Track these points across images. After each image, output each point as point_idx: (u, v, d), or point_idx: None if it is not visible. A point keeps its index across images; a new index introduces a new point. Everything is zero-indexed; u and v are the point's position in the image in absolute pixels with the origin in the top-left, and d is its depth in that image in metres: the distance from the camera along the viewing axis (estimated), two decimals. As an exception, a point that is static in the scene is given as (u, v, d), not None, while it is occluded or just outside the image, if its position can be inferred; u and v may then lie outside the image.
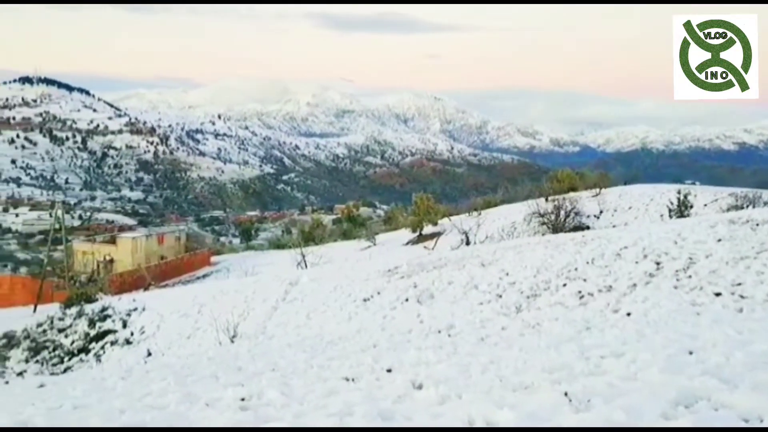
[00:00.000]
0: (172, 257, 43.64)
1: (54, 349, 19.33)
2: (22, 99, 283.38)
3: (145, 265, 39.26)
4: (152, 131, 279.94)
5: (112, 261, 40.93)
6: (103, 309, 21.08)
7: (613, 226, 21.68)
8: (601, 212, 27.01)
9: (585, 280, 10.81)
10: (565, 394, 3.89)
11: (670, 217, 21.33)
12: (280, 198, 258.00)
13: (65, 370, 17.11)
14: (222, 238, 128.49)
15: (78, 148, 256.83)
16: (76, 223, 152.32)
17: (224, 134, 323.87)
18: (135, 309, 20.37)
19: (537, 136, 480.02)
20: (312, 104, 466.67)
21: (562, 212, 23.45)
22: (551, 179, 36.93)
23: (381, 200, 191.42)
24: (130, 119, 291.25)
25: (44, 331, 21.05)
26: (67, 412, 4.73)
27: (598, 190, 31.26)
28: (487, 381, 4.71)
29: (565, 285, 10.93)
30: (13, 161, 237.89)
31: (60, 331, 20.59)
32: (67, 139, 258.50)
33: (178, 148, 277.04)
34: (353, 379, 5.36)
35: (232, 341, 13.84)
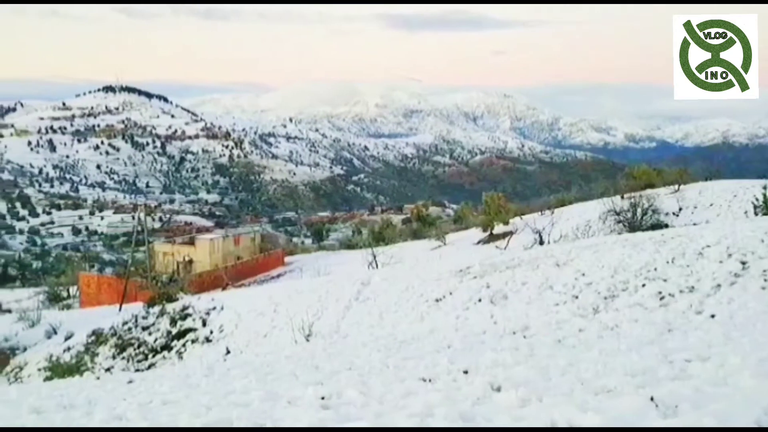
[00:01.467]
0: (248, 257, 44.75)
1: (139, 346, 20.19)
2: (106, 107, 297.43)
3: (222, 266, 40.45)
4: (227, 135, 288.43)
5: (191, 261, 42.35)
6: (184, 308, 21.84)
7: (694, 224, 20.81)
8: (680, 210, 25.96)
9: (665, 280, 10.44)
10: (651, 398, 3.78)
11: (756, 214, 20.28)
12: (350, 199, 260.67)
13: (149, 367, 17.85)
14: (294, 239, 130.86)
15: (157, 152, 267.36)
16: (157, 225, 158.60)
17: (295, 137, 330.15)
18: (214, 308, 21.01)
19: (611, 132, 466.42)
20: (380, 105, 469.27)
21: (639, 210, 22.70)
22: (627, 176, 35.85)
23: (450, 199, 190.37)
24: (206, 124, 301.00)
25: (129, 329, 22.02)
26: (158, 408, 4.95)
27: (676, 186, 30.08)
28: (568, 384, 4.63)
29: (644, 285, 10.59)
30: (98, 166, 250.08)
31: (144, 329, 21.48)
32: (148, 144, 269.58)
33: (251, 152, 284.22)
34: (430, 380, 5.37)
35: (308, 340, 14.10)
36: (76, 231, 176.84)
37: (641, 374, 4.60)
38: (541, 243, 23.37)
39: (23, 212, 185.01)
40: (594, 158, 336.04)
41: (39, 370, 20.71)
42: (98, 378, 10.95)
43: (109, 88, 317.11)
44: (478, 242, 32.90)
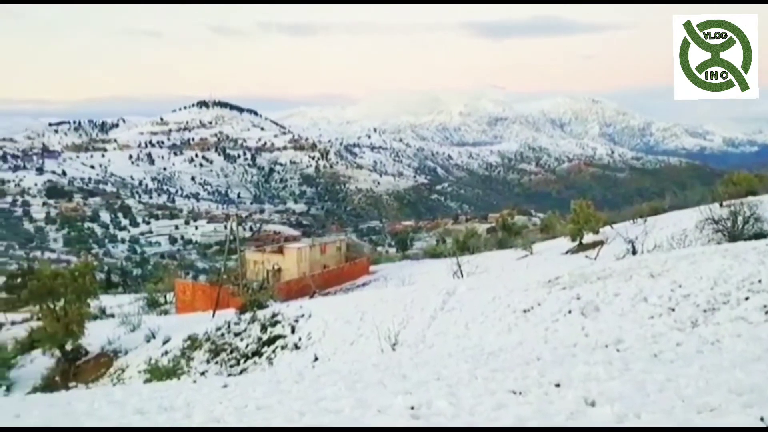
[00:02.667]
0: (334, 266, 45.49)
1: (231, 352, 20.89)
2: (200, 122, 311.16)
3: (310, 274, 41.30)
4: (314, 147, 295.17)
5: (280, 270, 43.48)
6: (274, 315, 22.43)
7: (803, 234, 19.45)
8: (786, 218, 24.35)
9: (772, 293, 9.81)
10: (761, 419, 3.57)
11: None
12: (433, 207, 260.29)
13: (241, 372, 18.41)
14: (379, 248, 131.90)
15: (248, 164, 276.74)
16: (248, 234, 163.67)
17: (380, 147, 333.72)
18: (302, 315, 21.46)
19: (707, 137, 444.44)
20: (464, 113, 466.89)
21: (740, 218, 21.43)
22: (726, 182, 33.96)
23: (536, 208, 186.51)
24: (293, 136, 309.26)
25: (222, 334, 22.82)
26: (253, 412, 5.12)
27: (782, 193, 28.25)
28: (667, 400, 4.43)
29: (747, 299, 9.99)
30: (193, 178, 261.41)
31: (236, 335, 22.21)
32: (239, 156, 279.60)
33: (337, 162, 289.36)
34: (521, 393, 5.28)
35: (394, 349, 14.14)
36: (172, 240, 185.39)
37: (748, 392, 4.34)
38: (634, 253, 22.49)
39: (124, 222, 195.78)
40: (689, 164, 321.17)
41: (139, 372, 21.80)
42: (194, 381, 11.40)
43: (203, 104, 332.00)
44: (567, 252, 32.05)
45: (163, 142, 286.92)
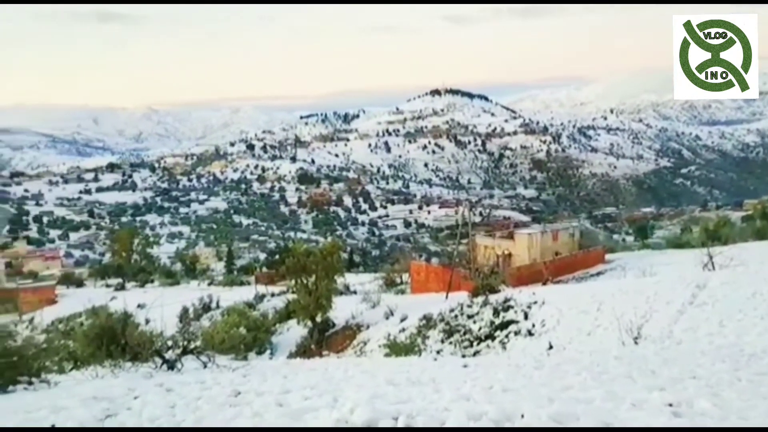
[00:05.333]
0: (566, 254, 44.08)
1: (464, 333, 21.36)
2: (432, 110, 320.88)
3: (540, 260, 40.53)
4: (545, 130, 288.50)
5: (510, 255, 43.31)
6: (506, 300, 22.47)
7: None
8: None
9: None
10: None
11: None
12: (677, 193, 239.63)
13: (474, 354, 18.74)
14: (614, 236, 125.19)
15: (478, 150, 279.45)
16: (477, 219, 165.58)
17: (616, 129, 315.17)
18: (535, 302, 21.21)
19: None
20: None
21: None
22: None
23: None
24: (524, 120, 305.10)
25: (455, 316, 23.43)
26: (499, 394, 5.19)
27: None
28: None
29: None
30: (426, 165, 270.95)
31: (469, 317, 22.66)
32: (469, 143, 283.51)
33: (569, 146, 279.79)
34: (800, 402, 4.68)
35: (636, 342, 13.36)
36: (407, 223, 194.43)
37: None
38: None
39: (364, 206, 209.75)
40: None
41: (379, 346, 23.26)
42: (435, 360, 11.89)
43: (435, 92, 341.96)
44: None
45: (398, 131, 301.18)
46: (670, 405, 4.44)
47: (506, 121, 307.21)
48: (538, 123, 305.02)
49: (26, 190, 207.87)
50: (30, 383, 9.46)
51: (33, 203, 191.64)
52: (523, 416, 4.16)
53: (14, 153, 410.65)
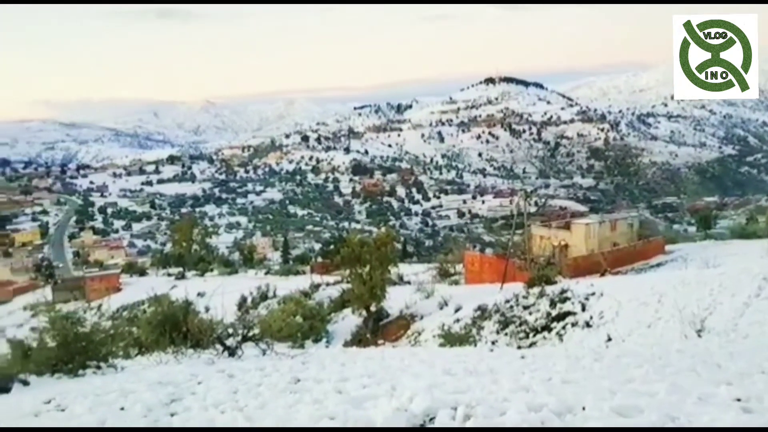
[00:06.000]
0: (625, 244, 43.05)
1: (520, 324, 21.17)
2: (486, 98, 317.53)
3: (598, 251, 39.71)
4: (602, 118, 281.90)
5: (566, 246, 42.57)
6: (563, 291, 22.13)
7: None
8: None
9: None
10: None
11: None
12: (742, 182, 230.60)
13: (530, 345, 18.55)
14: (675, 226, 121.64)
15: (533, 139, 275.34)
16: (532, 209, 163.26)
17: (678, 116, 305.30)
18: (593, 293, 20.82)
19: None
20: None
21: None
22: None
23: None
24: (580, 108, 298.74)
25: (511, 307, 23.23)
26: (559, 386, 5.12)
27: None
28: None
29: None
30: (480, 154, 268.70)
31: (524, 308, 22.43)
32: (524, 131, 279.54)
33: (628, 134, 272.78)
34: None
35: (699, 335, 12.98)
36: (460, 214, 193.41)
37: None
38: None
39: (417, 196, 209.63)
40: None
41: (433, 336, 23.28)
42: (491, 350, 11.83)
43: (489, 80, 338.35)
44: None
45: (451, 120, 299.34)
46: (739, 400, 4.30)
47: (562, 109, 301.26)
48: (595, 110, 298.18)
49: (92, 182, 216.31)
50: (98, 367, 9.89)
51: (98, 195, 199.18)
52: (584, 408, 4.11)
53: (80, 146, 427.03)
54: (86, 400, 5.96)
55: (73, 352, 9.73)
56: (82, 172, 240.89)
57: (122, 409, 5.39)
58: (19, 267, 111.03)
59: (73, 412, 5.47)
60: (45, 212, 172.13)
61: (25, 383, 8.97)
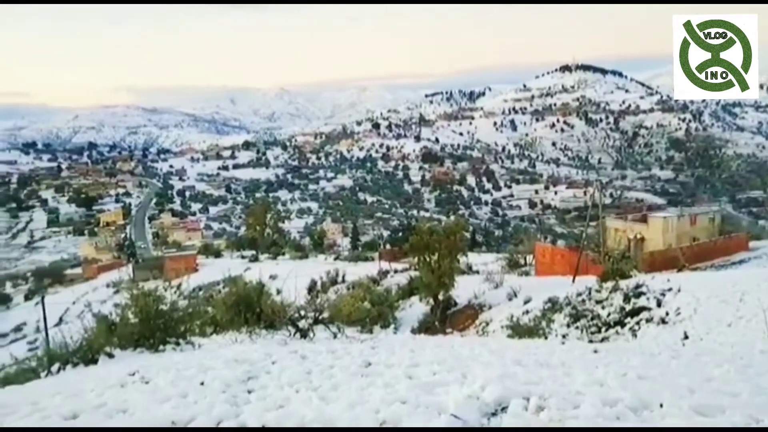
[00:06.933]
0: (705, 239, 41.43)
1: (592, 319, 20.68)
2: (562, 86, 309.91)
3: (676, 246, 38.35)
4: (684, 108, 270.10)
5: (642, 239, 41.33)
6: (637, 286, 21.48)
7: None
8: None
9: None
10: None
11: None
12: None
13: (602, 340, 18.13)
14: (760, 222, 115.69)
15: (610, 128, 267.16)
16: (607, 201, 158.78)
17: (766, 106, 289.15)
18: (669, 289, 20.12)
19: None
20: None
21: None
22: None
23: None
24: (661, 97, 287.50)
25: (583, 300, 22.73)
26: (634, 381, 5.01)
27: None
28: None
29: None
30: (554, 143, 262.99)
31: (597, 302, 21.90)
32: (601, 120, 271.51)
33: (711, 124, 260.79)
34: None
35: (785, 337, 12.38)
36: (532, 204, 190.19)
37: None
38: None
39: (488, 185, 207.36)
40: None
41: (502, 327, 23.06)
42: (563, 343, 11.66)
43: (565, 68, 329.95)
44: None
45: (525, 109, 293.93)
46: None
47: (642, 97, 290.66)
48: (677, 100, 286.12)
49: (171, 166, 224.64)
50: (177, 344, 10.36)
51: (177, 178, 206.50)
52: (662, 405, 4.02)
53: (161, 131, 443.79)
54: (168, 374, 6.26)
55: (154, 328, 10.22)
56: (162, 156, 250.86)
57: (202, 383, 5.63)
58: (104, 246, 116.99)
59: (157, 385, 5.76)
60: (128, 194, 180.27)
61: (111, 356, 9.51)
